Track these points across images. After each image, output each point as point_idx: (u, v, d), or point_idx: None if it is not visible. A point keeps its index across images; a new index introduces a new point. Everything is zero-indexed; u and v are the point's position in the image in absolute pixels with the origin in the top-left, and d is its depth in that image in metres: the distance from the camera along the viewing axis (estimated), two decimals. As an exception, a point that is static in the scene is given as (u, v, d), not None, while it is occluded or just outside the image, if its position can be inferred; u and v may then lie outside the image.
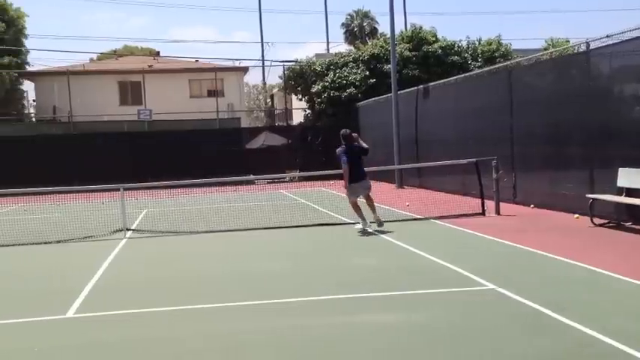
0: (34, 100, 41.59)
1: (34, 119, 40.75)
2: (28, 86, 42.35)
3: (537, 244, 10.08)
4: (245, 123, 38.19)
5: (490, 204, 14.10)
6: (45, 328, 6.60)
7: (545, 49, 27.27)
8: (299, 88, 32.77)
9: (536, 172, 15.03)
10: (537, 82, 15.33)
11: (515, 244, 10.31)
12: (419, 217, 14.26)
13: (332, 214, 15.39)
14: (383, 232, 12.04)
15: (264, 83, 49.70)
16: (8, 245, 12.43)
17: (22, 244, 12.49)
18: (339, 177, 25.68)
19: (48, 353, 5.76)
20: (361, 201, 12.77)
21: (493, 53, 30.22)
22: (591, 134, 12.79)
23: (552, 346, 5.41)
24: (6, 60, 37.38)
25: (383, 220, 12.54)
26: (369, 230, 12.15)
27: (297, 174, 28.94)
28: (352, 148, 12.42)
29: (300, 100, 33.68)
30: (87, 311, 7.13)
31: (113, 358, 5.59)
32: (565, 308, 6.36)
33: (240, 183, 26.37)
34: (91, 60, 50.41)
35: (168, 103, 34.69)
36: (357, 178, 12.45)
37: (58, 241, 12.65)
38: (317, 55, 37.15)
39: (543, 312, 6.34)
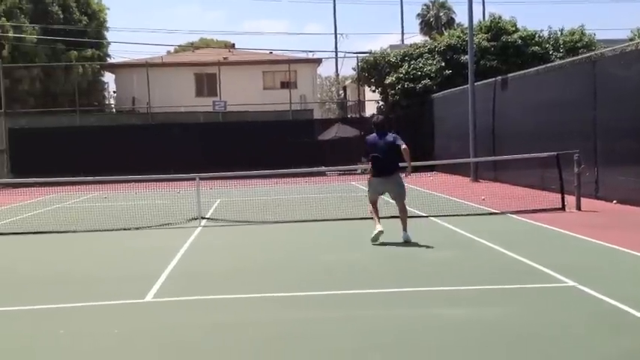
0: (114, 92, 42.90)
1: (114, 110, 42.00)
2: (108, 78, 43.74)
3: (620, 240, 9.70)
4: (317, 115, 38.32)
5: (570, 199, 13.66)
6: (125, 311, 6.76)
7: (631, 40, 26.22)
8: (372, 80, 32.59)
9: (620, 167, 14.44)
10: (623, 73, 14.69)
11: (596, 241, 9.96)
12: (495, 211, 13.95)
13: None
14: (456, 227, 11.82)
15: (337, 75, 49.79)
16: (90, 231, 12.85)
17: (103, 230, 12.88)
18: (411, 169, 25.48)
19: (127, 335, 5.88)
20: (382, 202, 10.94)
21: (576, 44, 29.24)
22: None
23: (634, 345, 5.21)
24: (89, 52, 38.64)
25: (411, 239, 10.22)
26: (380, 238, 10.06)
27: (369, 166, 28.80)
28: (382, 137, 10.26)
29: (374, 91, 33.51)
30: (164, 296, 7.28)
31: (188, 341, 5.67)
32: (649, 307, 6.10)
33: (312, 174, 26.44)
34: (169, 52, 51.62)
35: (242, 95, 35.11)
36: (379, 173, 10.32)
37: (137, 228, 12.98)
38: (391, 47, 36.85)
39: (625, 310, 6.10)
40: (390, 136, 10.24)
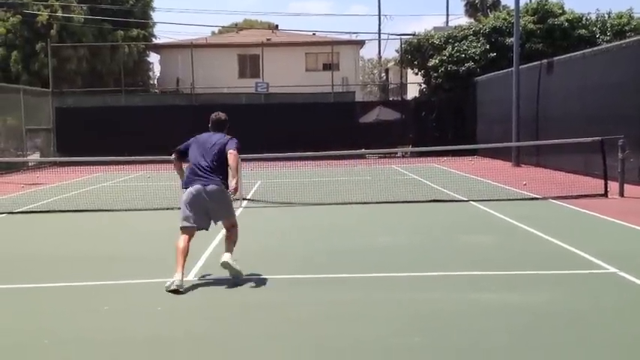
0: (157, 77, 43.35)
1: (157, 91, 42.48)
2: (153, 58, 44.24)
3: (665, 229, 9.56)
4: (359, 97, 38.23)
5: (613, 185, 13.46)
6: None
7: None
8: (415, 62, 32.34)
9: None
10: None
11: (638, 228, 9.83)
12: (536, 196, 13.83)
13: (444, 190, 15.20)
14: (491, 211, 11.77)
15: (380, 57, 49.47)
16: (134, 210, 13.14)
17: (146, 209, 13.16)
18: (453, 153, 25.36)
19: (170, 312, 6.06)
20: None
21: (623, 27, 28.54)
22: None
23: (677, 335, 5.16)
24: (134, 32, 39.12)
25: (238, 269, 7.06)
26: (181, 290, 6.68)
27: (409, 149, 28.72)
28: (215, 136, 7.46)
29: (416, 74, 33.26)
30: (206, 275, 7.44)
31: (229, 320, 5.82)
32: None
33: (353, 157, 26.46)
34: (213, 33, 51.93)
35: (285, 77, 35.20)
36: (194, 181, 7.19)
37: (180, 208, 13.14)
38: (435, 29, 36.46)
39: (668, 299, 6.05)
40: (224, 139, 7.40)
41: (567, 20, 28.81)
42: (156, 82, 43.97)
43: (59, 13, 35.49)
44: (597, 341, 5.10)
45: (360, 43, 43.41)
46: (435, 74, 30.17)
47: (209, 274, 7.47)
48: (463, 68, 29.10)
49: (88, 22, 36.66)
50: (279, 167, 21.81)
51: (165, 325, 5.71)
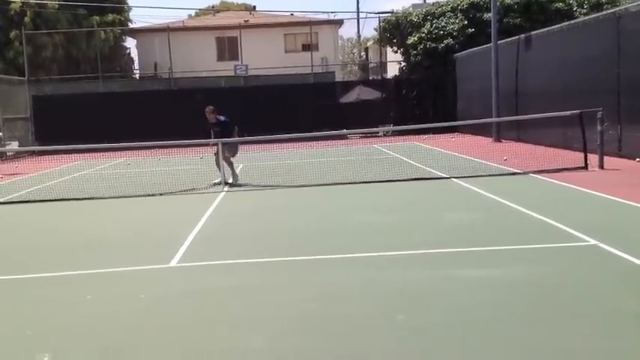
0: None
1: (137, 76, 42.02)
2: (130, 43, 43.72)
3: (644, 199, 9.65)
4: (339, 77, 38.08)
5: (593, 157, 13.56)
6: (151, 275, 6.91)
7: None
8: (394, 40, 32.26)
9: (644, 125, 14.28)
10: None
11: (619, 199, 9.93)
12: (517, 171, 13.91)
13: (426, 168, 15.24)
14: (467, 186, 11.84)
15: (359, 36, 49.34)
16: (115, 197, 13.03)
17: (128, 197, 13.05)
18: (434, 131, 25.44)
19: (154, 300, 6.03)
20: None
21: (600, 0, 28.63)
22: None
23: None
24: (110, 17, 38.60)
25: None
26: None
27: (390, 128, 28.74)
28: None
29: (396, 52, 33.19)
30: (189, 261, 7.41)
31: (214, 305, 5.80)
32: (673, 267, 6.10)
33: (334, 137, 26.43)
34: (190, 16, 51.42)
35: (264, 58, 34.99)
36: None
37: (161, 194, 13.13)
38: (414, 6, 36.37)
39: (648, 269, 6.10)
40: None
41: (545, -7, 28.81)
42: (135, 67, 43.48)
43: (32, 0, 34.94)
44: (579, 313, 5.14)
45: (339, 23, 43.20)
46: (414, 52, 30.13)
47: (192, 260, 7.44)
48: (442, 45, 29.08)
49: (62, 9, 36.12)
50: (260, 150, 21.73)
51: (149, 311, 5.69)
